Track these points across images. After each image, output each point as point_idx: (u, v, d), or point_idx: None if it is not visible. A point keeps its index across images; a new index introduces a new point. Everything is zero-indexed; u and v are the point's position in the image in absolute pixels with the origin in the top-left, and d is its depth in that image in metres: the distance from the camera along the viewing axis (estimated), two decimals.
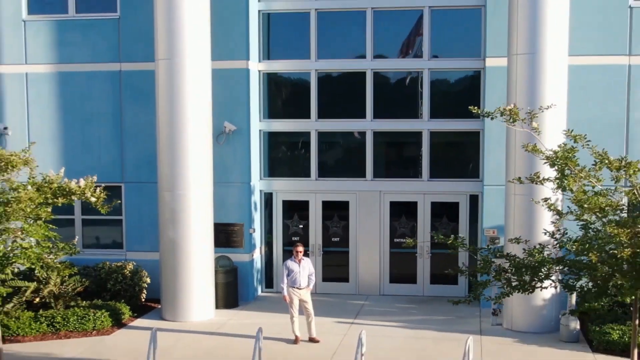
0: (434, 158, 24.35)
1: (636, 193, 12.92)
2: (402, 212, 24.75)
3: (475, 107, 14.75)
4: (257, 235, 24.78)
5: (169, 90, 21.31)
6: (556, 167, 13.22)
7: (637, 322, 13.67)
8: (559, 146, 13.66)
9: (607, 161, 12.94)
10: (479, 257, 14.42)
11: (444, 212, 24.50)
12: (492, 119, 14.01)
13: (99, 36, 24.20)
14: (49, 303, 21.68)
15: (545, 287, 13.75)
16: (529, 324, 20.39)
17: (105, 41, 24.15)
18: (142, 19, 23.49)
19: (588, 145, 13.32)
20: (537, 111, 15.09)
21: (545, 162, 13.52)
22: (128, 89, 24.11)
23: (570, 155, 13.17)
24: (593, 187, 13.12)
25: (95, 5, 24.32)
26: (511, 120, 13.79)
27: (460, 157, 24.50)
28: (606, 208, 12.63)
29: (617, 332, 18.64)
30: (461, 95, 24.17)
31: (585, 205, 12.77)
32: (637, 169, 12.83)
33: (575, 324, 19.80)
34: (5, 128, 24.36)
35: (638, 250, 11.98)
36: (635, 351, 13.94)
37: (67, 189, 15.97)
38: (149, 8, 22.68)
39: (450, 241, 14.12)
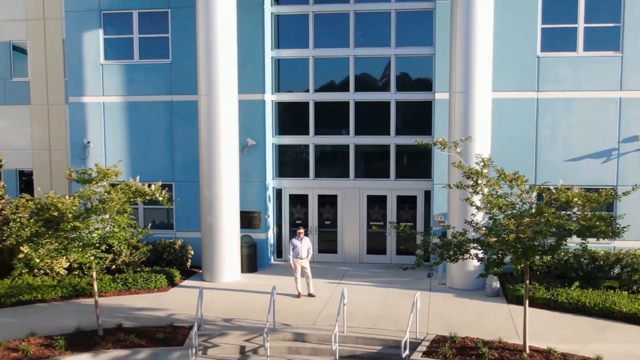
0: (398, 164, 24.78)
1: (524, 198, 14.36)
2: (376, 203, 25.15)
3: (418, 140, 16.14)
4: (271, 220, 25.25)
5: (208, 117, 22.12)
6: (471, 179, 14.66)
7: (527, 281, 15.19)
8: (476, 163, 15.14)
9: (503, 175, 14.37)
10: (421, 238, 15.89)
11: (406, 203, 24.95)
12: (429, 147, 15.44)
13: (156, 76, 24.71)
14: (122, 269, 23.10)
15: (465, 259, 15.16)
16: (464, 283, 21.23)
17: (161, 79, 24.68)
18: (187, 64, 24.09)
19: (492, 164, 14.76)
20: (459, 141, 16.56)
21: (464, 175, 14.98)
22: (177, 114, 24.66)
23: (481, 170, 14.62)
24: (497, 192, 14.58)
25: (154, 53, 24.72)
26: (442, 147, 15.28)
27: (417, 163, 24.68)
28: (502, 206, 14.09)
29: (524, 289, 19.93)
30: (418, 119, 24.39)
31: (491, 204, 14.28)
32: (524, 181, 14.28)
33: (497, 284, 20.68)
34: (88, 142, 25.05)
35: (521, 235, 13.44)
36: (527, 301, 15.48)
37: (143, 191, 16.77)
38: (193, 56, 23.48)
39: (401, 228, 15.61)
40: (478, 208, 14.98)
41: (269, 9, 24.50)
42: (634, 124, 22.22)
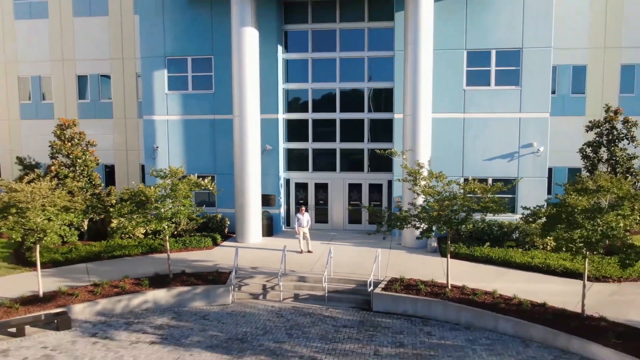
0: (370, 162, 27.16)
1: (445, 188, 17.24)
2: (354, 189, 27.46)
3: (379, 150, 18.86)
4: (282, 200, 27.59)
5: (240, 130, 24.76)
6: (412, 176, 17.52)
7: (449, 242, 18.06)
8: (417, 165, 17.95)
9: (431, 173, 17.23)
10: (383, 213, 18.74)
11: (375, 189, 27.30)
12: (387, 154, 18.13)
13: (204, 101, 27.08)
14: (181, 234, 25.83)
15: (409, 227, 17.99)
16: (412, 244, 23.82)
17: (206, 104, 27.05)
18: (225, 93, 26.58)
19: (424, 167, 17.56)
20: (406, 151, 19.30)
21: (407, 173, 17.81)
22: (218, 128, 27.05)
23: (418, 170, 17.48)
24: (428, 184, 17.46)
25: (202, 85, 27.01)
26: (393, 155, 18.11)
27: (383, 162, 26.91)
28: (431, 193, 17.00)
29: (453, 247, 22.31)
30: (383, 131, 26.71)
31: (424, 192, 17.18)
32: (444, 177, 17.11)
33: (435, 243, 23.38)
34: (157, 147, 27.48)
35: (441, 212, 16.29)
36: (449, 255, 18.34)
37: (199, 184, 19.49)
38: (229, 88, 26.04)
39: (368, 207, 18.52)
40: (417, 194, 17.85)
41: (281, 55, 27.02)
42: (529, 135, 24.99)
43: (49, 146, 27.40)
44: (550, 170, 28.29)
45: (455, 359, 14.23)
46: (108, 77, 32.33)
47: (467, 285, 18.44)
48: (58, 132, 26.08)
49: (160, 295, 18.61)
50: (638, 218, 13.72)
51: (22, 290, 18.59)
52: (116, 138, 32.29)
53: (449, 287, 18.07)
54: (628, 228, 13.72)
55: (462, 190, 17.25)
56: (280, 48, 26.86)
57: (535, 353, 14.60)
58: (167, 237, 20.34)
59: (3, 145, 34.94)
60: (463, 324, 16.66)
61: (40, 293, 17.64)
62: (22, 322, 15.90)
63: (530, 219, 15.51)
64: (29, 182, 22.26)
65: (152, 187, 19.01)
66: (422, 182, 17.40)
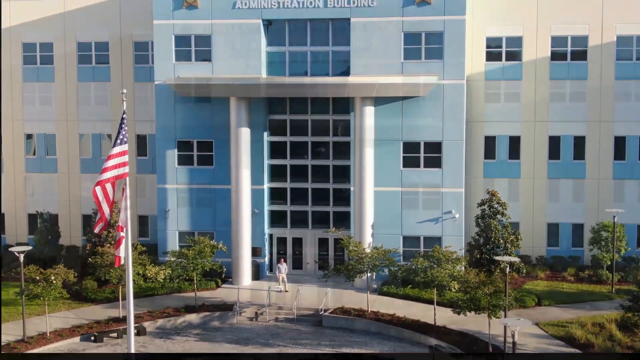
0: (334, 221, 54.73)
1: (364, 251, 46.05)
2: (323, 243, 54.72)
3: (339, 229, 47.47)
4: (267, 251, 54.57)
5: (236, 199, 52.14)
6: (351, 244, 46.45)
7: (368, 283, 46.85)
8: (353, 241, 46.73)
9: (357, 244, 46.12)
10: (328, 265, 47.90)
11: (339, 243, 55.34)
12: (344, 244, 46.80)
13: (206, 174, 54.35)
14: (192, 278, 53.88)
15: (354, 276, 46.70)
16: (361, 285, 49.62)
17: (209, 176, 54.31)
18: (224, 168, 53.37)
19: (361, 245, 46.52)
20: (353, 237, 48.02)
21: (351, 245, 46.65)
22: (218, 195, 53.96)
23: (358, 246, 46.31)
24: (361, 249, 46.37)
25: (205, 161, 54.12)
26: (346, 244, 47.01)
27: (345, 220, 55.35)
28: (359, 253, 45.98)
29: (386, 287, 51.40)
30: (344, 198, 54.80)
31: (356, 252, 46.23)
32: (361, 246, 45.84)
33: (375, 285, 51.10)
34: (168, 210, 55.21)
35: (361, 264, 45.01)
36: (377, 293, 47.02)
37: (216, 246, 48.75)
38: (227, 164, 53.06)
39: (326, 268, 47.32)
40: (352, 254, 46.40)
41: (266, 138, 54.66)
42: (449, 205, 52.57)
43: None
44: None
45: (359, 346, 42.62)
46: (109, 137, 60.44)
47: (381, 311, 46.73)
48: None
49: (192, 317, 46.83)
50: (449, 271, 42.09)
51: (103, 316, 47.06)
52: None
53: (369, 311, 46.32)
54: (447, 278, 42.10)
55: (371, 254, 45.74)
56: (265, 133, 55.01)
57: (404, 344, 43.05)
58: (196, 281, 48.71)
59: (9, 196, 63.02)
60: (372, 332, 45.02)
61: (120, 315, 46.03)
62: (120, 330, 44.32)
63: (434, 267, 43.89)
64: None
65: (190, 251, 47.41)
66: (352, 248, 45.86)
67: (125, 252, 31.06)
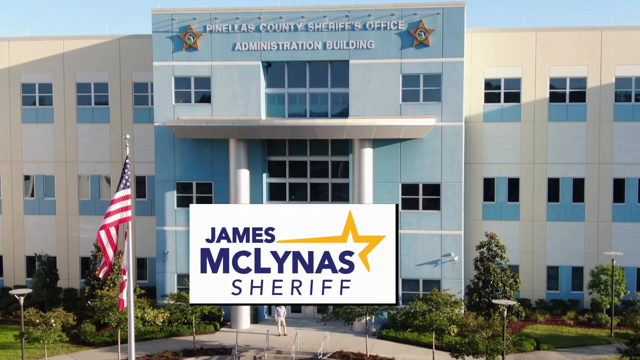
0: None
1: None
2: None
3: None
4: None
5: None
6: None
7: (367, 327, 48.23)
8: None
9: None
10: (327, 309, 49.19)
11: None
12: None
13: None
14: (191, 322, 55.27)
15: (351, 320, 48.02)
16: (360, 329, 51.60)
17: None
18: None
19: None
20: None
21: None
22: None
23: None
24: None
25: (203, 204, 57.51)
26: None
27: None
28: None
29: (385, 331, 52.95)
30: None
31: None
32: None
33: (374, 329, 52.64)
34: (167, 252, 56.49)
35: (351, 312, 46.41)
36: (376, 336, 48.38)
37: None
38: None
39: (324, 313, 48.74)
40: None
41: (265, 180, 56.28)
42: (447, 247, 54.34)
43: None
44: None
45: None
46: (108, 179, 62.16)
47: (380, 355, 48.04)
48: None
49: None
50: (448, 315, 43.46)
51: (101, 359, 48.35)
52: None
53: (368, 355, 47.69)
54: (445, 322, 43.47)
55: None
56: (265, 174, 56.74)
57: None
58: (194, 324, 50.10)
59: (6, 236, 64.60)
60: None
61: (119, 359, 47.35)
62: None
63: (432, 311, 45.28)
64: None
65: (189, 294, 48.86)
66: None
67: (127, 296, 32.50)
